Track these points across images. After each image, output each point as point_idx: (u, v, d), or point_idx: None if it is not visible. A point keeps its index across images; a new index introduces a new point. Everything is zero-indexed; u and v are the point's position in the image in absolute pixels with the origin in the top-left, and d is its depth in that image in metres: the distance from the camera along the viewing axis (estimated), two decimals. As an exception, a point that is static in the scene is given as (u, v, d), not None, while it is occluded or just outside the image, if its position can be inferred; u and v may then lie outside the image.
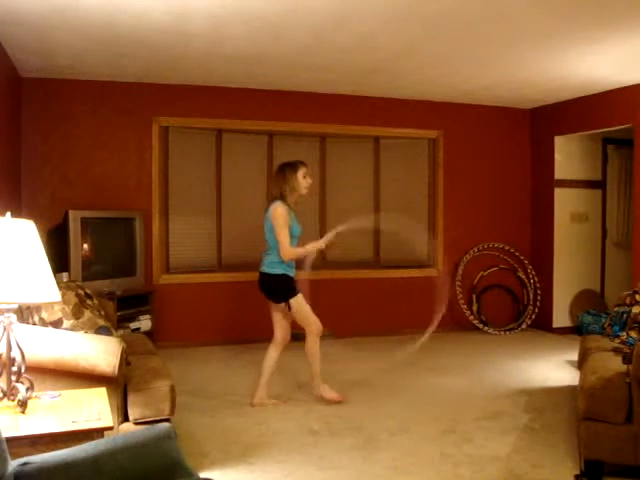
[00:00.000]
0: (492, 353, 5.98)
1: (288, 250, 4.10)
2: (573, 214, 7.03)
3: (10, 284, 2.18)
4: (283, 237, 4.09)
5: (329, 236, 4.27)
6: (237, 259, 6.42)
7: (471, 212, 7.07)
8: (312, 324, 4.26)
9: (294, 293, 4.18)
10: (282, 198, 4.19)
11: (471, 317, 6.96)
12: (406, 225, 6.46)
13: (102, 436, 2.08)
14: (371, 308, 6.75)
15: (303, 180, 4.24)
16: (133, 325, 5.46)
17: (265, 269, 4.22)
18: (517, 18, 4.02)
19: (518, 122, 7.28)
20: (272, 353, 4.37)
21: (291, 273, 4.22)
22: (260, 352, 5.86)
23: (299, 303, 4.20)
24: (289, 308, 4.20)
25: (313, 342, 4.28)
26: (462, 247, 7.06)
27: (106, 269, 5.50)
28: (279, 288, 4.20)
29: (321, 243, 4.23)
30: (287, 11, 3.92)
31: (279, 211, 4.13)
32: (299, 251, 4.20)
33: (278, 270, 4.17)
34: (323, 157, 6.65)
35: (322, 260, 6.65)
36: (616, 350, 3.60)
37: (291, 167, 4.25)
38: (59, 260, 4.95)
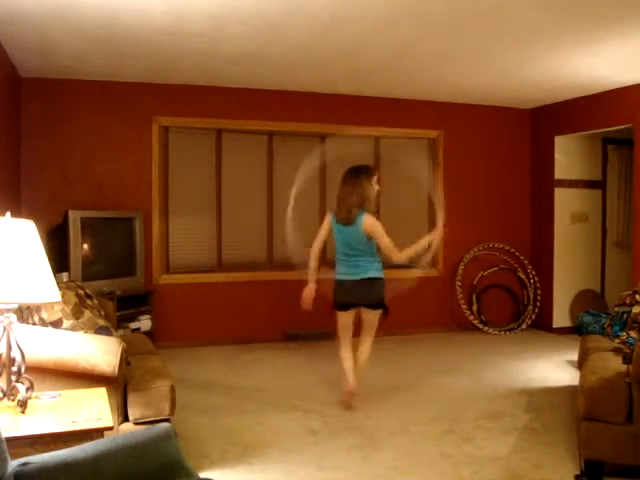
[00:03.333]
0: (492, 353, 5.98)
1: (399, 254, 4.03)
2: (573, 214, 7.03)
3: (10, 284, 2.18)
4: (388, 242, 4.04)
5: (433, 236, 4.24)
6: (237, 259, 6.42)
7: (471, 212, 7.07)
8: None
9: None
10: (364, 207, 4.08)
11: (471, 317, 6.96)
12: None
13: (102, 436, 2.07)
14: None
15: (377, 186, 4.21)
16: (133, 325, 5.46)
17: (375, 274, 4.12)
18: (517, 18, 4.02)
19: (518, 122, 7.29)
20: (350, 353, 4.32)
21: None
22: (260, 352, 5.90)
23: None
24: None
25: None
26: (462, 247, 7.06)
27: (106, 269, 5.49)
28: (383, 294, 4.19)
29: (430, 237, 4.21)
30: (287, 11, 3.92)
31: (373, 222, 4.05)
32: (409, 251, 4.09)
33: (383, 275, 4.17)
34: (323, 157, 6.64)
35: (322, 260, 6.65)
36: (616, 350, 3.60)
37: (368, 174, 4.15)
38: (59, 260, 4.95)
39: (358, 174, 4.15)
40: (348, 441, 3.60)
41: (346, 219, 4.10)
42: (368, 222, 4.05)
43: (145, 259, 5.87)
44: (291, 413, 4.12)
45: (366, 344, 4.29)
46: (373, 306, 4.18)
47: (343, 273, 4.17)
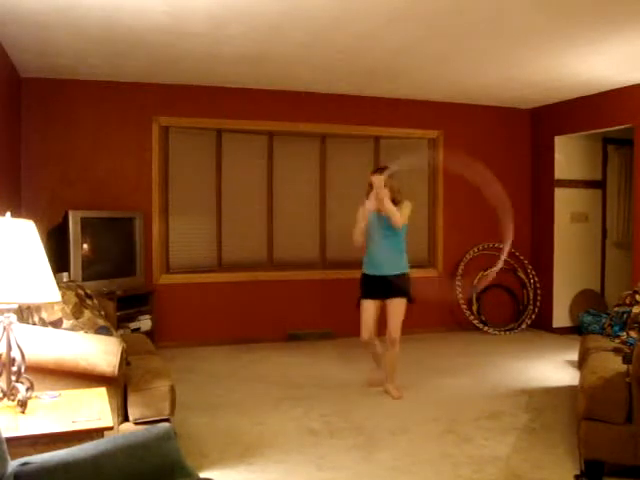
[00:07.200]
0: (492, 353, 5.98)
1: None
2: (573, 214, 7.03)
3: (10, 284, 2.17)
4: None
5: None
6: (237, 259, 6.42)
7: (471, 212, 7.07)
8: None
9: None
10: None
11: (471, 317, 6.96)
12: None
13: (102, 436, 2.07)
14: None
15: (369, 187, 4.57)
16: (133, 325, 5.46)
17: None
18: (517, 18, 4.02)
19: (518, 122, 7.28)
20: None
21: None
22: (260, 352, 5.90)
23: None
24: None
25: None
26: (462, 247, 7.06)
27: (106, 269, 5.49)
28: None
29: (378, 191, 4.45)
30: (287, 11, 3.93)
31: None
32: (391, 207, 4.48)
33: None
34: (323, 157, 6.65)
35: (322, 260, 6.65)
36: (616, 350, 3.60)
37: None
38: (59, 260, 4.95)
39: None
40: (348, 441, 3.60)
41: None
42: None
43: (145, 259, 5.87)
44: (291, 413, 4.12)
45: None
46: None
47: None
